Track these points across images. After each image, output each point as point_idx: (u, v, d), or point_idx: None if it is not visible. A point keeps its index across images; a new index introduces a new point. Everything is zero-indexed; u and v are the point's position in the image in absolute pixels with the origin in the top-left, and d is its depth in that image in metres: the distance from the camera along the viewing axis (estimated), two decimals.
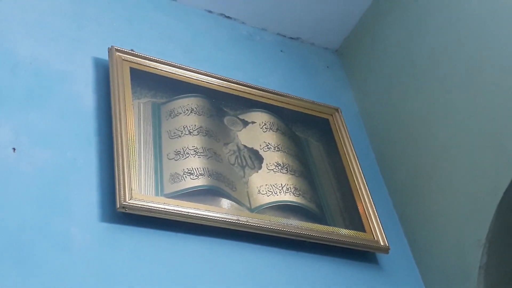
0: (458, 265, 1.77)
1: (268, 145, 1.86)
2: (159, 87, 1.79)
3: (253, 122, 1.91)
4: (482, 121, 1.79)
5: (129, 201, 1.47)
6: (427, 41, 2.03)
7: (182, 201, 1.55)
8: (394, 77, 2.15)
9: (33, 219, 1.38)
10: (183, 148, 1.67)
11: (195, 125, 1.75)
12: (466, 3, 1.91)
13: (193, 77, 1.88)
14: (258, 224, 1.62)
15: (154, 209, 1.49)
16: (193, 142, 1.70)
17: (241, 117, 1.91)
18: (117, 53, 1.76)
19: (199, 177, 1.63)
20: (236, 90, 1.95)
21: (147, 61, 1.82)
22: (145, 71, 1.80)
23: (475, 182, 1.77)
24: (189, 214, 1.53)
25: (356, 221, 1.83)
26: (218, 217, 1.57)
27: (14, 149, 1.47)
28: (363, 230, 1.81)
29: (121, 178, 1.50)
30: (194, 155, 1.67)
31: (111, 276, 1.38)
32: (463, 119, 1.85)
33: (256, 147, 1.84)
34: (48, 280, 1.31)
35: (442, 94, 1.94)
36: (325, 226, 1.75)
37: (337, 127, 2.07)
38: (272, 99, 2.01)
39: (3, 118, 1.50)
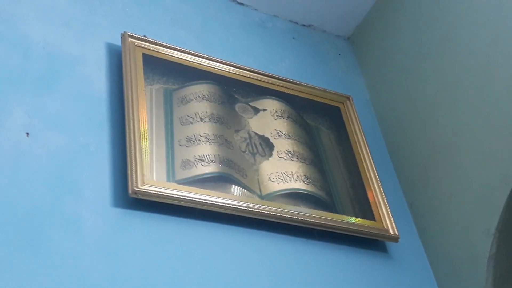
0: (467, 254, 1.77)
1: (279, 133, 1.87)
2: (171, 73, 1.79)
3: (264, 110, 1.91)
4: (494, 110, 1.78)
5: (141, 187, 1.48)
6: (440, 29, 2.02)
7: (193, 188, 1.56)
8: (405, 65, 2.14)
9: (45, 203, 1.39)
10: (194, 135, 1.68)
11: (207, 112, 1.75)
12: None
13: (204, 64, 1.88)
14: (268, 211, 1.63)
15: (165, 195, 1.50)
16: (204, 128, 1.71)
17: (252, 104, 1.91)
18: (130, 39, 1.76)
19: (210, 163, 1.63)
20: (247, 77, 1.95)
21: (159, 47, 1.82)
22: (157, 57, 1.80)
23: (486, 171, 1.77)
24: (200, 200, 1.54)
25: (366, 210, 1.83)
26: (228, 203, 1.58)
27: (27, 133, 1.47)
28: (373, 218, 1.82)
29: (133, 163, 1.50)
30: (205, 142, 1.67)
31: (121, 261, 1.40)
32: (474, 108, 1.84)
33: (267, 135, 1.84)
34: (59, 263, 1.32)
35: (453, 82, 1.93)
36: (335, 214, 1.75)
37: (348, 115, 2.07)
38: (284, 87, 2.01)
39: (17, 102, 1.51)
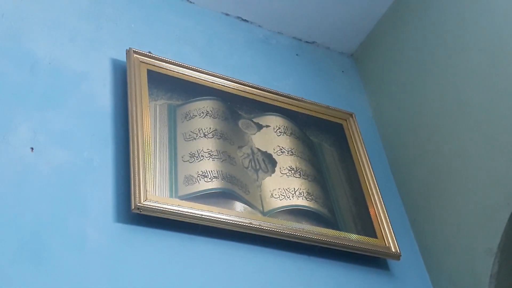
0: (469, 273, 1.77)
1: (281, 149, 1.87)
2: (175, 89, 1.81)
3: (267, 126, 1.92)
4: (497, 128, 1.78)
5: (143, 203, 1.48)
6: (443, 46, 2.03)
7: (196, 203, 1.57)
8: (409, 82, 2.15)
9: (49, 218, 1.40)
10: (197, 151, 1.69)
11: (210, 128, 1.76)
12: (483, 10, 1.90)
13: (208, 80, 1.90)
14: (271, 227, 1.63)
15: (168, 210, 1.51)
16: (208, 144, 1.72)
17: (255, 120, 1.92)
18: (135, 55, 1.78)
19: (213, 179, 1.64)
20: (251, 93, 1.97)
21: (164, 63, 1.84)
22: (162, 73, 1.81)
23: (488, 190, 1.77)
24: (203, 216, 1.54)
25: (368, 227, 1.83)
26: (231, 220, 1.58)
27: (32, 148, 1.49)
28: (375, 236, 1.82)
29: (136, 179, 1.51)
30: (208, 158, 1.68)
31: (124, 276, 1.40)
32: (477, 127, 1.85)
33: (270, 151, 1.85)
34: (63, 279, 1.33)
35: (457, 100, 1.94)
36: (337, 231, 1.75)
37: (351, 132, 2.08)
38: (287, 103, 2.02)
39: (22, 117, 1.53)
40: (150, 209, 1.49)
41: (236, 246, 1.59)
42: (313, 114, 2.07)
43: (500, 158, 1.76)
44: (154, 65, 1.81)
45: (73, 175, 1.50)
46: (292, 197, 1.76)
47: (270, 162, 1.82)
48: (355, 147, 2.04)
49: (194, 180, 1.62)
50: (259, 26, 2.27)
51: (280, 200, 1.74)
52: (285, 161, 1.84)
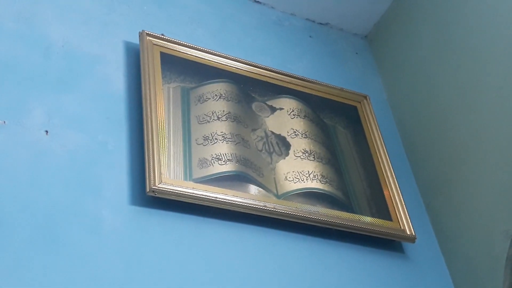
0: (485, 255, 1.76)
1: (295, 132, 1.86)
2: (189, 72, 1.80)
3: (281, 109, 1.91)
4: None
5: (158, 185, 1.48)
6: (459, 26, 2.00)
7: (210, 186, 1.57)
8: (424, 64, 2.13)
9: (64, 201, 1.41)
10: (211, 134, 1.68)
11: (224, 111, 1.76)
12: None
13: (222, 62, 1.89)
14: (285, 210, 1.63)
15: (182, 193, 1.51)
16: (221, 127, 1.71)
17: (269, 103, 1.91)
18: (148, 38, 1.77)
19: (227, 162, 1.64)
20: (264, 75, 1.95)
21: (177, 45, 1.83)
22: (175, 56, 1.81)
23: (505, 172, 1.75)
24: (217, 199, 1.54)
25: (382, 210, 1.82)
26: (245, 202, 1.58)
27: (46, 131, 1.49)
28: (390, 218, 1.81)
29: (151, 162, 1.51)
30: (222, 141, 1.68)
31: (139, 258, 1.41)
32: (494, 108, 1.82)
33: (284, 134, 1.84)
34: (78, 261, 1.34)
35: (473, 82, 1.91)
36: (351, 214, 1.75)
37: (365, 115, 2.06)
38: (300, 85, 2.01)
39: (36, 101, 1.53)
40: (165, 191, 1.49)
41: (251, 228, 1.59)
42: (327, 96, 2.05)
43: None
44: (167, 48, 1.80)
45: (88, 158, 1.50)
46: (306, 180, 1.75)
47: (284, 145, 1.82)
48: (370, 129, 2.02)
49: (208, 163, 1.62)
50: (272, 7, 2.25)
51: (294, 183, 1.73)
52: (299, 144, 1.84)
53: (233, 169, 1.64)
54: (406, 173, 2.05)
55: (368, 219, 1.77)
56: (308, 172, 1.78)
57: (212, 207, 1.55)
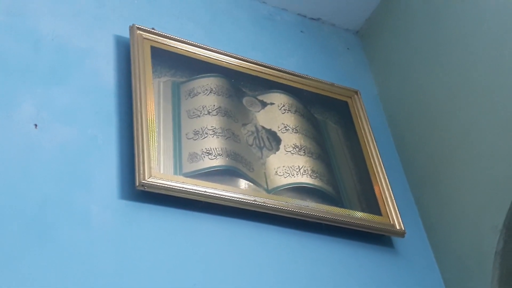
0: (474, 250, 1.77)
1: (286, 127, 1.87)
2: (179, 66, 1.80)
3: (271, 103, 1.91)
4: (503, 108, 1.77)
5: (148, 180, 1.48)
6: (450, 23, 2.00)
7: (200, 181, 1.56)
8: (415, 60, 2.13)
9: (53, 195, 1.40)
10: (202, 128, 1.68)
11: (214, 105, 1.75)
12: None
13: (212, 57, 1.88)
14: (275, 205, 1.63)
15: (172, 187, 1.51)
16: (212, 122, 1.71)
17: (259, 98, 1.90)
18: (138, 31, 1.77)
19: (217, 157, 1.64)
20: (255, 70, 1.95)
21: (167, 39, 1.82)
22: (166, 50, 1.80)
23: (494, 167, 1.76)
24: (207, 193, 1.54)
25: (372, 204, 1.83)
26: (235, 197, 1.58)
27: (36, 125, 1.48)
28: (379, 213, 1.82)
29: (141, 156, 1.51)
30: (212, 135, 1.68)
31: (129, 252, 1.40)
32: (484, 104, 1.83)
33: (274, 129, 1.84)
34: (67, 255, 1.33)
35: (464, 78, 1.92)
36: (341, 209, 1.75)
37: (356, 110, 2.07)
38: (291, 80, 2.01)
39: (26, 94, 1.52)
40: (155, 186, 1.49)
41: (240, 223, 1.59)
42: (318, 91, 2.05)
43: (506, 135, 1.74)
44: (158, 42, 1.80)
45: (77, 152, 1.49)
46: (297, 174, 1.75)
47: (274, 140, 1.82)
48: (360, 124, 2.03)
49: (198, 157, 1.61)
50: (263, 2, 2.25)
51: (285, 177, 1.73)
52: (289, 139, 1.84)
53: (223, 164, 1.64)
54: (396, 168, 2.05)
55: (358, 214, 1.77)
56: (299, 167, 1.78)
57: (202, 201, 1.54)
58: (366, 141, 1.99)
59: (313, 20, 2.35)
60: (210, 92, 1.79)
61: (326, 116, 2.01)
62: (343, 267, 1.67)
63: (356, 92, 2.12)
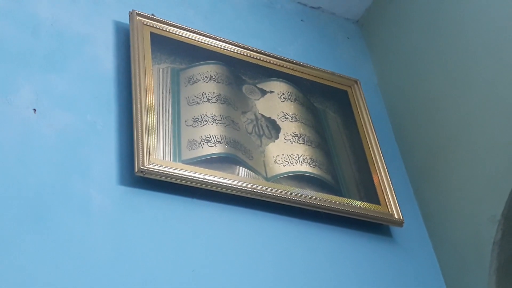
0: (472, 240, 1.77)
1: (285, 115, 1.86)
2: (179, 52, 1.79)
3: (271, 92, 1.90)
4: (503, 98, 1.76)
5: (147, 166, 1.48)
6: (451, 13, 2.00)
7: (199, 168, 1.56)
8: (415, 50, 2.12)
9: (52, 181, 1.40)
10: (201, 115, 1.68)
11: (214, 93, 1.75)
12: None
13: (212, 44, 1.87)
14: (274, 193, 1.63)
15: (171, 174, 1.51)
16: (211, 109, 1.70)
17: (259, 86, 1.90)
18: (138, 18, 1.76)
19: (217, 144, 1.63)
20: (255, 58, 1.95)
21: (167, 26, 1.81)
22: (165, 36, 1.79)
23: (493, 158, 1.76)
24: (206, 180, 1.54)
25: (371, 194, 1.83)
26: (234, 184, 1.58)
27: (34, 110, 1.48)
28: (378, 202, 1.82)
29: (140, 142, 1.51)
30: (212, 123, 1.67)
31: (128, 239, 1.40)
32: (483, 95, 1.83)
33: (274, 117, 1.84)
34: (66, 241, 1.33)
35: (463, 69, 1.91)
36: (340, 198, 1.75)
37: (356, 99, 2.06)
38: (291, 69, 2.00)
39: (24, 79, 1.51)
40: (154, 172, 1.48)
41: (239, 210, 1.59)
42: (318, 80, 2.05)
43: (504, 126, 1.74)
44: (158, 28, 1.79)
45: (76, 138, 1.49)
46: (296, 163, 1.75)
47: (273, 128, 1.81)
48: (360, 114, 2.02)
49: (197, 144, 1.61)
50: None
51: (284, 166, 1.73)
52: (289, 127, 1.83)
53: (223, 151, 1.63)
54: (395, 157, 2.05)
55: (356, 203, 1.77)
56: (298, 155, 1.77)
57: (201, 188, 1.54)
58: (365, 131, 1.98)
59: (313, 9, 2.34)
60: (210, 79, 1.78)
61: (325, 105, 2.00)
62: (341, 256, 1.67)
63: (356, 82, 2.11)
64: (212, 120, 1.68)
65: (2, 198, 1.32)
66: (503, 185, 1.71)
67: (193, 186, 1.53)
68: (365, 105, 2.05)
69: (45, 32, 1.63)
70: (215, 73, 1.80)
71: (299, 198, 1.66)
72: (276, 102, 1.88)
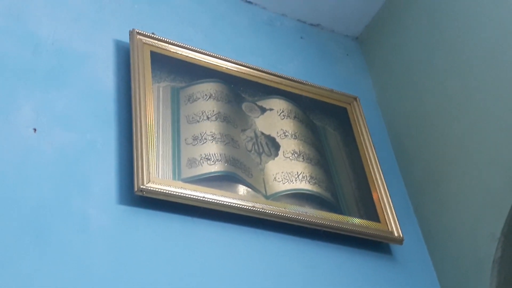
0: (472, 258, 1.77)
1: (285, 133, 1.87)
2: (179, 71, 1.80)
3: (271, 109, 1.91)
4: (501, 115, 1.77)
5: (146, 185, 1.48)
6: (450, 30, 2.01)
7: (199, 186, 1.56)
8: (414, 67, 2.13)
9: (52, 200, 1.40)
10: (201, 133, 1.68)
11: (213, 111, 1.75)
12: None
13: (212, 62, 1.88)
14: (273, 211, 1.63)
15: (171, 193, 1.51)
16: (211, 127, 1.71)
17: (259, 103, 1.91)
18: (138, 36, 1.77)
19: (216, 162, 1.64)
20: (254, 76, 1.95)
21: (167, 44, 1.82)
22: (165, 55, 1.80)
23: (492, 175, 1.76)
24: (206, 199, 1.54)
25: (371, 211, 1.83)
26: (234, 203, 1.58)
27: (35, 129, 1.48)
28: (378, 220, 1.81)
29: (140, 161, 1.51)
30: (211, 141, 1.68)
31: (127, 258, 1.40)
32: (482, 111, 1.83)
33: (273, 134, 1.84)
34: (65, 260, 1.33)
35: (462, 86, 1.92)
36: (339, 215, 1.75)
37: (355, 116, 2.07)
38: (291, 86, 2.01)
39: (25, 98, 1.52)
40: (153, 191, 1.48)
41: (239, 229, 1.59)
42: (317, 97, 2.05)
43: (504, 144, 1.75)
44: (158, 47, 1.80)
45: (76, 157, 1.49)
46: (295, 180, 1.75)
47: (273, 146, 1.82)
48: (359, 131, 2.03)
49: (197, 163, 1.61)
50: (263, 8, 2.25)
51: (283, 183, 1.73)
52: (288, 145, 1.84)
53: (222, 169, 1.63)
54: (394, 174, 2.05)
55: (356, 220, 1.77)
56: (297, 173, 1.78)
57: (201, 207, 1.54)
58: (365, 148, 1.99)
59: (312, 26, 2.35)
60: (210, 97, 1.79)
61: (325, 122, 2.01)
62: (341, 274, 1.67)
63: (355, 98, 2.12)
64: (212, 138, 1.69)
65: (2, 216, 1.32)
66: (502, 202, 1.71)
67: (193, 205, 1.53)
68: (364, 122, 2.06)
69: (45, 51, 1.64)
70: (214, 91, 1.81)
71: (299, 216, 1.66)
72: (275, 120, 1.89)
